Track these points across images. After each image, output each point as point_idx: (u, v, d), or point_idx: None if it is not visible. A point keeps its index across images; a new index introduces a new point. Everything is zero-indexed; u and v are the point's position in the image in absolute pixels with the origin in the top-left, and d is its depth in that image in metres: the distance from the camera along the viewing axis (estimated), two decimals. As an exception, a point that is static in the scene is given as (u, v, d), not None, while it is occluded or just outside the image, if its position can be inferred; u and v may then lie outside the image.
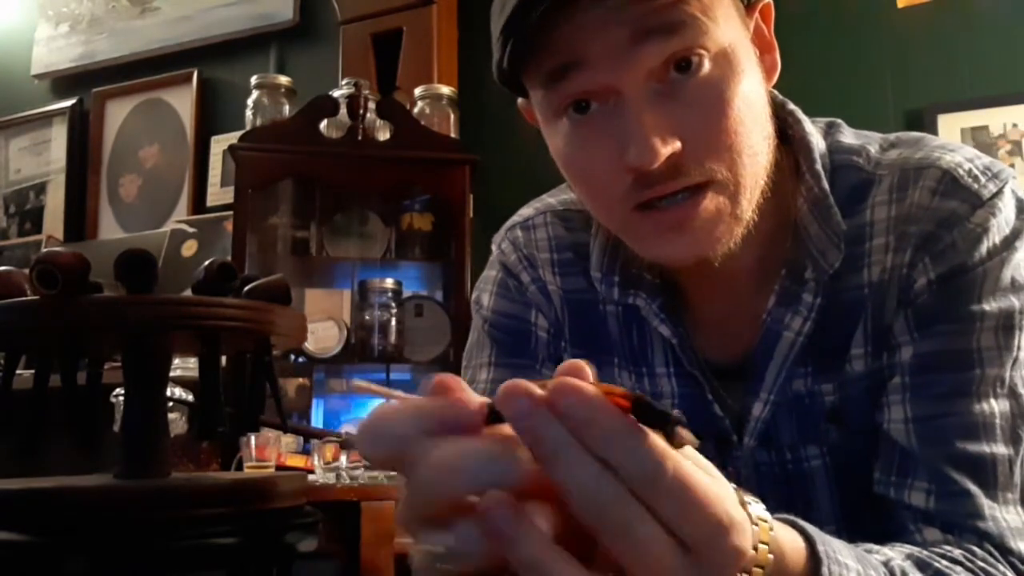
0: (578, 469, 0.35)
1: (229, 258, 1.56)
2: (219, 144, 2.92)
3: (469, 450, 0.37)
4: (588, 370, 0.38)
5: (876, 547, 0.59)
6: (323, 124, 2.31)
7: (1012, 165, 2.11)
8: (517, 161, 1.78)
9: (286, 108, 2.46)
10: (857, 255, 0.72)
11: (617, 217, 0.68)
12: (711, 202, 0.64)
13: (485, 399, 0.38)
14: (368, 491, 1.55)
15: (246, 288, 0.83)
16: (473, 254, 2.24)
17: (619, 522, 0.35)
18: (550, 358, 0.83)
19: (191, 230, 2.79)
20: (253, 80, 2.50)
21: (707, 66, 0.63)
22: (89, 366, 0.89)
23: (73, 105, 3.22)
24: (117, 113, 3.17)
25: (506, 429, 0.37)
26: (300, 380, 2.34)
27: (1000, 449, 0.66)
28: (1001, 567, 0.63)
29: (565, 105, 0.66)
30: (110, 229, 3.09)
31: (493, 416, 0.37)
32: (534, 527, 0.35)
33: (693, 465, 0.36)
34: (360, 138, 2.28)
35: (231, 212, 2.39)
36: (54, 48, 3.31)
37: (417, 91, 2.44)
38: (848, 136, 0.77)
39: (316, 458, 1.64)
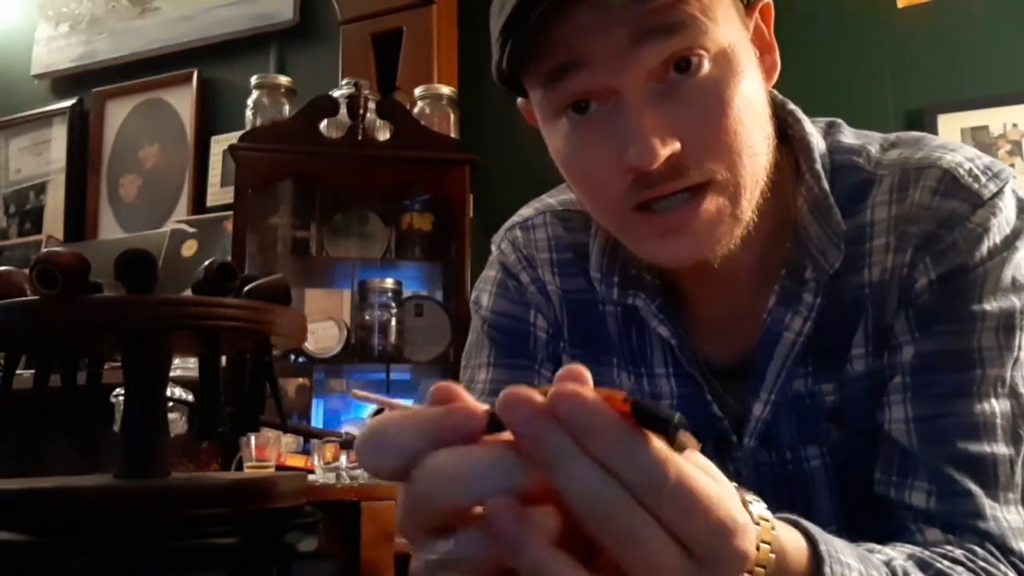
0: (580, 475, 0.35)
1: (229, 258, 1.56)
2: (219, 144, 2.92)
3: (470, 459, 0.37)
4: (588, 375, 0.38)
5: (878, 547, 0.59)
6: (323, 124, 2.31)
7: (1012, 165, 2.11)
8: (517, 161, 1.78)
9: (286, 108, 2.46)
10: (857, 255, 0.72)
11: (616, 217, 0.68)
12: (711, 203, 0.64)
13: (486, 407, 0.38)
14: (368, 491, 1.55)
15: (246, 288, 0.83)
16: (473, 254, 2.24)
17: (622, 527, 0.35)
18: (549, 358, 0.83)
19: (191, 230, 2.79)
20: (253, 80, 2.50)
21: (707, 66, 0.63)
22: (89, 366, 0.88)
23: (73, 105, 3.22)
24: (117, 113, 3.17)
25: (507, 436, 0.37)
26: (300, 380, 2.34)
27: (1001, 449, 0.66)
28: (1002, 567, 0.62)
29: (564, 105, 0.65)
30: (110, 229, 3.09)
31: (494, 424, 0.37)
32: (538, 530, 0.35)
33: (695, 468, 0.36)
34: (360, 138, 2.28)
35: (231, 212, 2.39)
36: (54, 48, 3.31)
37: (417, 91, 2.44)
38: (848, 136, 0.77)
39: (316, 458, 1.64)
